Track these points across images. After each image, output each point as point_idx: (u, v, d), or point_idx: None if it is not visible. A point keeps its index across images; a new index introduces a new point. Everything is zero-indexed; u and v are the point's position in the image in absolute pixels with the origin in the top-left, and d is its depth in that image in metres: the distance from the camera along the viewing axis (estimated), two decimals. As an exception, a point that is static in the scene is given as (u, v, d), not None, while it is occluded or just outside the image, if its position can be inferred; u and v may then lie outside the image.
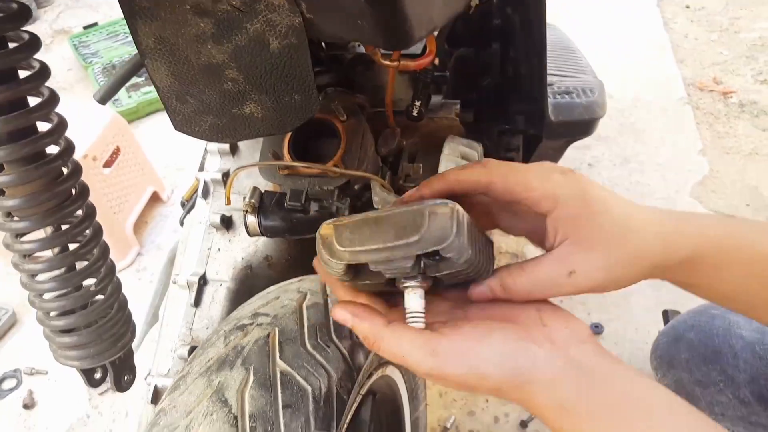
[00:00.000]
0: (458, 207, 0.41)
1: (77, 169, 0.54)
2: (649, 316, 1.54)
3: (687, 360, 0.87)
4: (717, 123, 2.31)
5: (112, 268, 0.59)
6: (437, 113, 0.86)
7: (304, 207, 0.71)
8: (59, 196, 0.52)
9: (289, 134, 0.76)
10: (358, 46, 1.12)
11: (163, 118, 2.53)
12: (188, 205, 1.01)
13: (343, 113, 0.75)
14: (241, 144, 0.90)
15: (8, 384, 1.52)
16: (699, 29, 2.86)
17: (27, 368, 1.53)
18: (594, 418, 0.38)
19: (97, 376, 0.63)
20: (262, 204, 0.72)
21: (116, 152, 1.83)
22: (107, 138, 1.78)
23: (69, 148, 0.52)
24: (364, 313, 0.44)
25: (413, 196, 0.49)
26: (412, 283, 0.42)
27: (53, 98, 0.50)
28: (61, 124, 0.51)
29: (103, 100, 0.63)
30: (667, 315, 1.30)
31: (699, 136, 2.24)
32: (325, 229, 0.45)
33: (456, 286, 0.47)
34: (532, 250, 1.78)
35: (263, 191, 0.73)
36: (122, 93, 2.55)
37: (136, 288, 1.76)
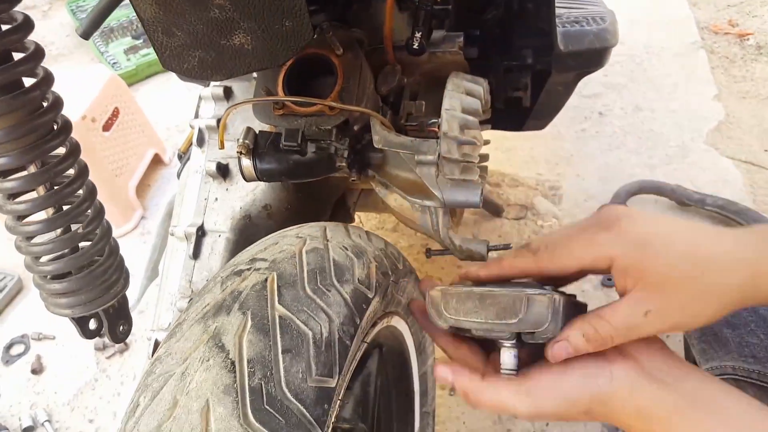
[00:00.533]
0: (555, 296, 0.45)
1: (58, 103, 0.50)
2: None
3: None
4: (733, 67, 2.23)
5: (100, 211, 0.56)
6: (439, 47, 0.80)
7: (301, 147, 0.67)
8: (39, 129, 0.48)
9: (283, 71, 0.71)
10: (355, -17, 1.06)
11: (163, 80, 2.48)
12: (185, 157, 0.97)
13: (339, 47, 0.70)
14: (235, 88, 0.86)
15: (16, 350, 1.52)
16: (713, -33, 2.74)
17: (34, 333, 1.53)
18: (671, 421, 0.41)
19: (92, 326, 0.61)
20: (257, 145, 0.68)
21: (115, 114, 1.79)
22: (105, 99, 1.74)
23: (47, 77, 0.48)
24: (464, 371, 0.50)
25: (472, 276, 0.54)
26: (508, 344, 0.48)
27: (28, 23, 0.46)
28: (38, 52, 0.47)
29: (85, 33, 0.59)
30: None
31: (714, 80, 2.16)
32: (435, 293, 0.52)
33: None
34: (541, 201, 1.74)
35: (257, 132, 0.70)
36: (121, 56, 2.49)
37: (141, 252, 1.74)
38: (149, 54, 2.49)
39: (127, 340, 1.46)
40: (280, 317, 0.55)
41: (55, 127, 0.50)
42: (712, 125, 1.99)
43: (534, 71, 0.91)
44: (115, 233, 1.85)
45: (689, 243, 0.43)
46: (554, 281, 0.51)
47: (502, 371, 0.48)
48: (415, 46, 0.76)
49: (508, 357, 0.48)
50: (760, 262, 0.42)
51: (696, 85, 2.15)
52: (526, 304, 0.45)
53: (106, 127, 1.75)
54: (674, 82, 2.17)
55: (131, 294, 0.88)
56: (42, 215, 0.53)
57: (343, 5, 0.92)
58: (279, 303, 0.57)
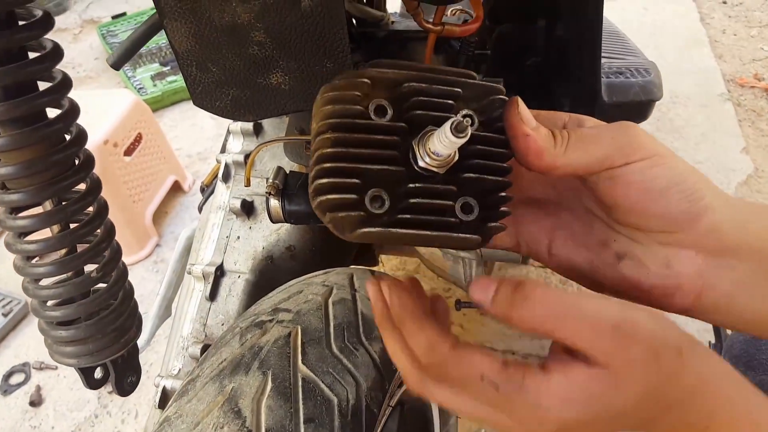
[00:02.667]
0: None
1: (81, 136, 0.47)
2: (694, 324, 1.43)
3: None
4: (760, 120, 2.19)
5: (117, 252, 0.52)
6: (479, 93, 0.77)
7: (333, 191, 0.63)
8: (59, 165, 0.45)
9: (317, 111, 0.68)
10: (392, 23, 1.04)
11: (188, 107, 2.49)
12: (208, 190, 0.94)
13: (377, 88, 0.67)
14: (266, 124, 0.83)
15: (16, 378, 1.47)
16: (737, 25, 2.74)
17: (36, 363, 1.48)
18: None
19: (98, 376, 0.56)
20: (287, 186, 0.64)
21: (138, 139, 1.78)
22: (129, 124, 1.73)
23: (72, 110, 0.45)
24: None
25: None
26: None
27: (56, 51, 0.43)
28: (65, 82, 0.44)
29: (116, 64, 0.56)
30: (718, 329, 1.20)
31: (741, 133, 2.12)
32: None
33: None
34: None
35: (288, 172, 0.66)
36: (147, 81, 2.51)
37: (153, 281, 1.71)
38: (176, 81, 2.51)
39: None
40: (303, 380, 0.50)
41: (77, 162, 0.47)
42: (740, 178, 1.94)
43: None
44: (128, 260, 1.80)
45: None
46: None
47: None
48: (455, 91, 0.73)
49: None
50: None
51: (723, 136, 2.11)
52: None
53: (128, 152, 1.73)
54: (701, 132, 2.14)
55: (142, 335, 0.83)
56: (54, 254, 0.49)
57: (380, 45, 0.90)
58: (302, 363, 0.52)
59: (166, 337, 0.86)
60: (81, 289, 0.49)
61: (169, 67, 2.57)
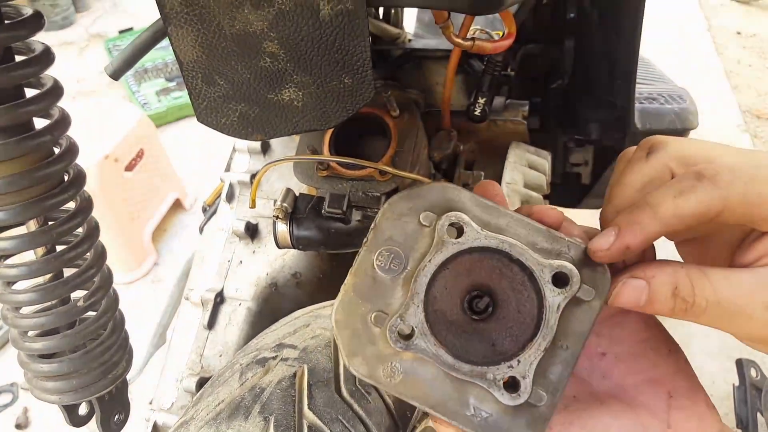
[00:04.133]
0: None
1: (72, 150, 0.42)
2: (714, 363, 1.37)
3: None
4: (778, 153, 2.15)
5: (108, 279, 0.47)
6: (501, 115, 0.73)
7: (345, 215, 0.59)
8: (46, 181, 0.40)
9: (330, 130, 0.64)
10: (409, 41, 1.01)
11: (192, 123, 2.46)
12: (210, 210, 0.89)
13: (395, 107, 0.63)
14: (275, 142, 0.79)
15: (3, 399, 1.41)
16: (752, 56, 2.73)
17: (25, 383, 1.42)
18: None
19: (82, 412, 0.51)
20: (296, 209, 0.60)
21: (140, 155, 1.74)
22: (132, 140, 1.69)
23: (62, 120, 0.41)
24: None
25: (615, 251, 0.33)
26: None
27: (47, 55, 0.39)
28: (55, 90, 0.40)
29: (115, 74, 0.52)
30: (742, 365, 1.14)
31: (759, 165, 2.08)
32: None
33: None
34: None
35: (297, 194, 0.61)
36: (152, 96, 2.49)
37: (150, 300, 1.65)
38: (180, 97, 2.48)
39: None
40: (309, 427, 0.45)
41: (66, 178, 0.42)
42: None
43: (598, 147, 0.83)
44: (125, 279, 1.74)
45: None
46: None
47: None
48: (477, 113, 0.69)
49: None
50: None
51: (741, 168, 2.07)
52: None
53: (129, 168, 1.69)
54: (718, 164, 2.10)
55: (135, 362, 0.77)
56: (38, 280, 0.44)
57: (396, 64, 0.86)
58: (309, 408, 0.46)
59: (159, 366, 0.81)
60: (66, 320, 0.44)
61: (174, 83, 2.55)
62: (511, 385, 0.31)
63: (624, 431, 0.34)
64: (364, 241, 0.33)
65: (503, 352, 0.32)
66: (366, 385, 0.51)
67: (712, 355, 1.40)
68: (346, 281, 0.32)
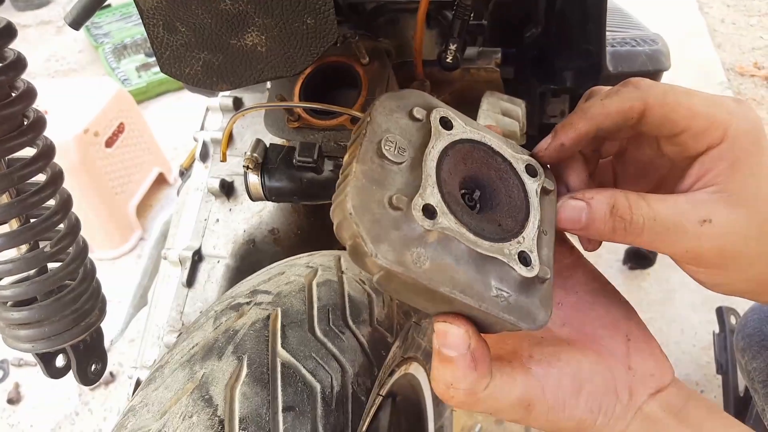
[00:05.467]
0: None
1: (30, 93, 0.42)
2: (696, 315, 1.40)
3: None
4: (760, 108, 2.17)
5: (74, 226, 0.47)
6: (474, 63, 0.73)
7: (317, 164, 0.58)
8: (3, 123, 0.40)
9: (300, 79, 0.63)
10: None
11: (174, 98, 2.43)
12: (187, 173, 0.89)
13: (365, 55, 0.63)
14: (246, 98, 0.78)
15: (-6, 375, 1.42)
16: (736, 14, 2.72)
17: (15, 359, 1.42)
18: None
19: (60, 364, 0.51)
20: (267, 160, 0.60)
21: (120, 129, 1.72)
22: (111, 113, 1.67)
23: (28, 92, 0.41)
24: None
25: (551, 149, 0.38)
26: None
27: (9, 30, 0.39)
28: (18, 62, 0.40)
29: (75, 23, 0.51)
30: (722, 313, 1.16)
31: (742, 122, 2.10)
32: None
33: None
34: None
35: (269, 145, 0.61)
36: (132, 72, 2.45)
37: (137, 275, 1.65)
38: (161, 72, 2.45)
39: (113, 371, 1.35)
40: (282, 364, 0.46)
41: (25, 122, 0.42)
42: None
43: (574, 95, 0.83)
44: (110, 254, 1.74)
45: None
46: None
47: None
48: (448, 60, 0.68)
49: None
50: None
51: (723, 126, 2.08)
52: None
53: (109, 143, 1.68)
54: (701, 122, 2.11)
55: (116, 324, 0.78)
56: (5, 228, 0.44)
57: (369, 17, 0.85)
58: (282, 347, 0.47)
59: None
60: (35, 265, 0.44)
61: (154, 59, 2.51)
62: (523, 259, 0.32)
63: (593, 368, 0.36)
64: (360, 133, 0.33)
65: (510, 230, 0.33)
66: (340, 325, 0.51)
67: (695, 307, 1.42)
68: (351, 170, 0.31)
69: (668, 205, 0.34)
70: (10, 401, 1.34)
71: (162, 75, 2.57)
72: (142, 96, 2.36)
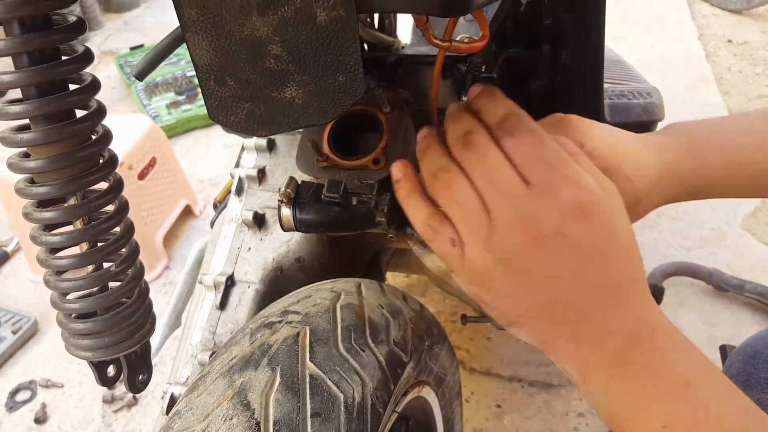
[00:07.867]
0: None
1: (107, 136, 0.50)
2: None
3: (767, 379, 0.77)
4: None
5: (135, 250, 0.54)
6: (485, 112, 0.80)
7: (342, 200, 0.66)
8: (85, 161, 0.47)
9: (329, 126, 0.71)
10: (402, 48, 1.09)
11: (201, 135, 2.55)
12: (221, 206, 0.96)
13: (386, 104, 0.70)
14: (279, 141, 0.86)
15: (22, 396, 1.47)
16: (743, 63, 2.79)
17: (43, 380, 1.49)
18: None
19: (111, 373, 0.58)
20: (298, 195, 0.67)
21: (152, 163, 1.82)
22: (144, 148, 1.78)
23: (99, 110, 0.48)
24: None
25: None
26: None
27: (87, 55, 0.47)
28: (94, 84, 0.48)
29: (140, 75, 0.60)
30: (725, 351, 1.19)
31: (749, 168, 2.14)
32: None
33: None
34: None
35: (300, 182, 0.69)
36: (162, 109, 2.58)
37: (162, 302, 1.72)
38: (190, 110, 2.58)
39: (136, 395, 1.41)
40: (311, 376, 0.52)
41: (101, 161, 0.50)
42: (748, 210, 1.95)
43: (577, 142, 0.89)
44: (139, 280, 1.75)
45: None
46: None
47: None
48: (461, 109, 0.76)
49: None
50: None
51: (731, 171, 2.12)
52: None
53: (142, 176, 1.78)
54: (709, 167, 2.15)
55: (151, 344, 0.84)
56: (75, 250, 0.51)
57: (390, 69, 0.93)
58: (310, 360, 0.53)
59: (172, 358, 0.88)
60: (99, 283, 0.51)
61: (184, 96, 2.64)
62: None
63: None
64: None
65: None
66: (361, 344, 0.57)
67: (700, 345, 1.45)
68: None
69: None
70: (37, 420, 1.40)
71: (191, 113, 2.70)
72: (172, 132, 2.48)
